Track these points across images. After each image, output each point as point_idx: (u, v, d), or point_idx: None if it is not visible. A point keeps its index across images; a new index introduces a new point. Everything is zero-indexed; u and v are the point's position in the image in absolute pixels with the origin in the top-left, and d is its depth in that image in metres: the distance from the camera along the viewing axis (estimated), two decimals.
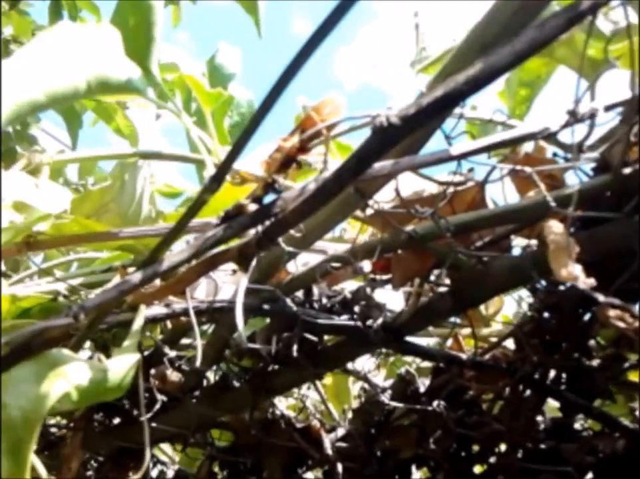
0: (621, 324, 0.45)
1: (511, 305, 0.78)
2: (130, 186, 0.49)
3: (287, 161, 0.32)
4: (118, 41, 0.32)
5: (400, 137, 0.30)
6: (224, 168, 0.29)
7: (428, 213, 0.43)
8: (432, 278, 0.53)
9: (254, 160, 0.51)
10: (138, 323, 0.36)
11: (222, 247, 0.34)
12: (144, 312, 0.50)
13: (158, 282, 0.47)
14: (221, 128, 0.58)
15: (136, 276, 0.31)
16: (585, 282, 0.40)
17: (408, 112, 0.29)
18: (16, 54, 0.28)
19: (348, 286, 0.60)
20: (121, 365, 0.30)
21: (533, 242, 0.53)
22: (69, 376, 0.28)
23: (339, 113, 0.33)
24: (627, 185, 0.46)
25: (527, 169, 0.42)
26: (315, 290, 0.54)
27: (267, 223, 0.32)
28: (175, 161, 0.53)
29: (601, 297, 0.38)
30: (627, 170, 0.44)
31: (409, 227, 0.48)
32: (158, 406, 0.61)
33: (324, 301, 0.54)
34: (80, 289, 0.53)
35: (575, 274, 0.41)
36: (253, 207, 0.32)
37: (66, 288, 0.58)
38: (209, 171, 0.39)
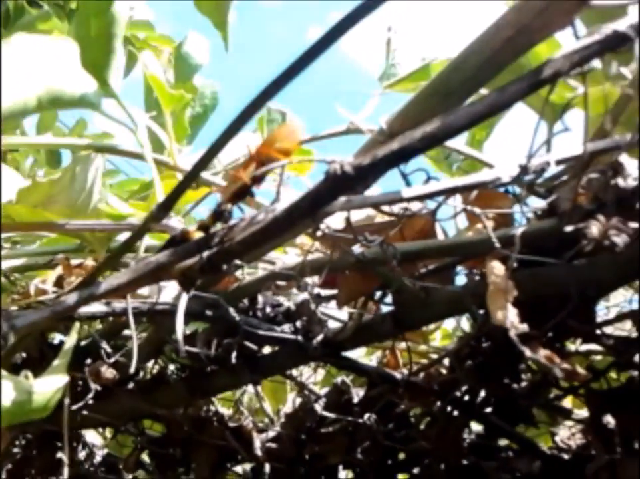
0: (549, 364, 0.47)
1: (451, 320, 0.80)
2: (80, 178, 0.48)
3: (242, 192, 0.31)
4: (75, 53, 0.31)
5: (352, 185, 0.30)
6: (172, 198, 0.29)
7: (377, 242, 0.44)
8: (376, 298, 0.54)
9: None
10: (69, 343, 0.35)
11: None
12: (82, 309, 0.49)
13: None
14: (181, 121, 0.57)
15: (71, 297, 0.31)
16: (517, 328, 0.42)
17: (362, 163, 0.29)
18: None
19: (295, 292, 0.60)
20: (48, 387, 0.30)
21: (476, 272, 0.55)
22: None
23: (297, 139, 0.32)
24: (571, 232, 0.48)
25: (477, 210, 0.43)
26: (260, 298, 0.54)
27: (214, 250, 0.32)
28: (129, 158, 0.52)
29: (527, 352, 0.39)
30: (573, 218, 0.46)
31: (358, 250, 0.48)
32: (90, 395, 0.60)
33: (268, 309, 0.54)
34: (15, 274, 0.52)
35: (509, 319, 0.42)
36: (199, 234, 0.32)
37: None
38: (158, 196, 0.38)
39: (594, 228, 0.38)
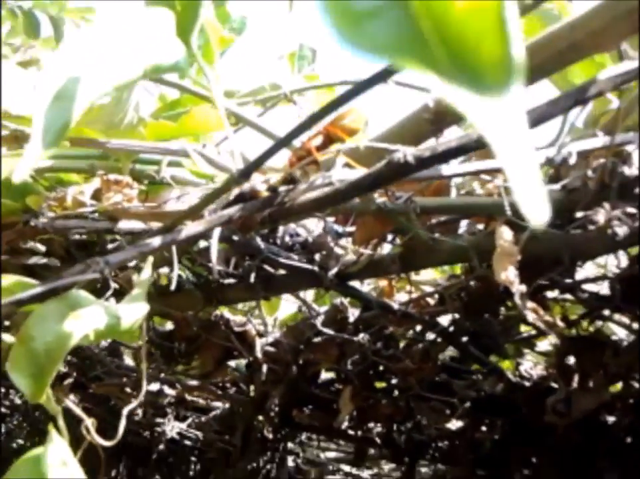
0: (533, 316, 0.54)
1: None
2: (124, 102, 0.50)
3: (307, 160, 0.35)
4: (171, 22, 0.33)
5: (410, 173, 0.34)
6: (257, 164, 0.32)
7: (403, 199, 0.48)
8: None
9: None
10: (146, 274, 0.39)
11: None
12: (122, 224, 0.54)
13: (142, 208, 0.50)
14: (209, 45, 0.58)
15: (156, 241, 0.35)
16: (517, 288, 0.48)
17: (423, 155, 0.33)
18: (76, 41, 0.28)
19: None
20: (133, 314, 0.35)
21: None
22: (90, 319, 0.32)
23: (362, 123, 0.36)
24: (571, 201, 0.53)
25: (499, 182, 0.48)
26: (280, 227, 0.59)
27: (275, 207, 0.37)
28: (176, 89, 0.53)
29: (529, 303, 0.46)
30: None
31: (380, 199, 0.53)
32: (109, 292, 0.66)
33: (287, 238, 0.59)
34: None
35: (511, 279, 0.48)
36: (266, 194, 0.36)
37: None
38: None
39: (600, 216, 0.43)
